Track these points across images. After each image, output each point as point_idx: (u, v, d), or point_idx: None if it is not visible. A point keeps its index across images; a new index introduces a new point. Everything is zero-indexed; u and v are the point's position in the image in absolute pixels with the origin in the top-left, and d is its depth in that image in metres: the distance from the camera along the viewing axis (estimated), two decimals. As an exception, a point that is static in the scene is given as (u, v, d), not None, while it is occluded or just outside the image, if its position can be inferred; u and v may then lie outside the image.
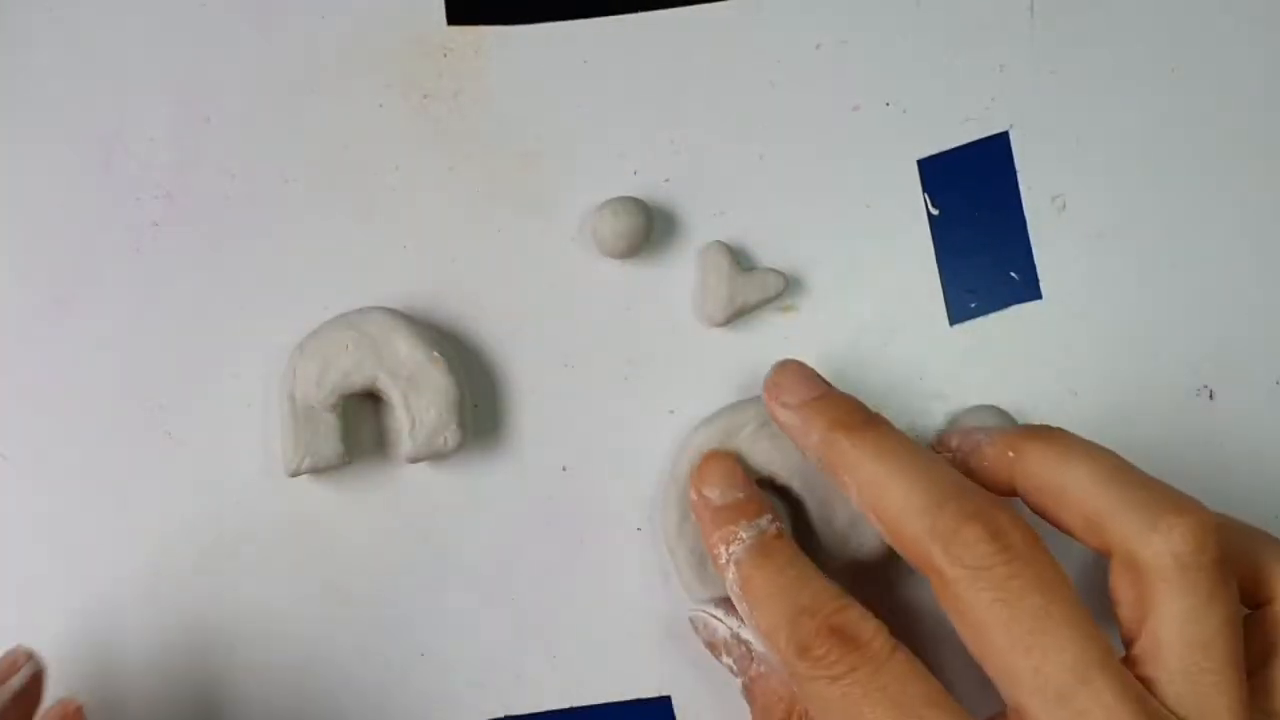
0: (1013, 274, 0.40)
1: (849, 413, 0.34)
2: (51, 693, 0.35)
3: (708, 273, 0.39)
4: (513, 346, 0.39)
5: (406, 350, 0.37)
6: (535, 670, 0.38)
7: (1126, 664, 0.30)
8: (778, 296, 0.39)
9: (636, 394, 0.39)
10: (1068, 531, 0.32)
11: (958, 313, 0.40)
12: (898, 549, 0.32)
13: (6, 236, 0.39)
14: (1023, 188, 0.40)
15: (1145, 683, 0.29)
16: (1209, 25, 0.41)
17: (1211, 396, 0.39)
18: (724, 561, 0.34)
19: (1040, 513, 0.33)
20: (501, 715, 0.38)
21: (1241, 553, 0.32)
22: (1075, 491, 0.31)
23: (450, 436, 0.37)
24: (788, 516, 0.37)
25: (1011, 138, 0.40)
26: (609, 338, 0.39)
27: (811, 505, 0.37)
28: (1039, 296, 0.40)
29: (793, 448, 0.37)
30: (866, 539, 0.37)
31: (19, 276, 0.39)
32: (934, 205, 0.40)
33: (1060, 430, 0.33)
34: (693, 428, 0.38)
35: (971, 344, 0.39)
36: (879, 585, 0.38)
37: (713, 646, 0.36)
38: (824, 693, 0.30)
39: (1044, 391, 0.39)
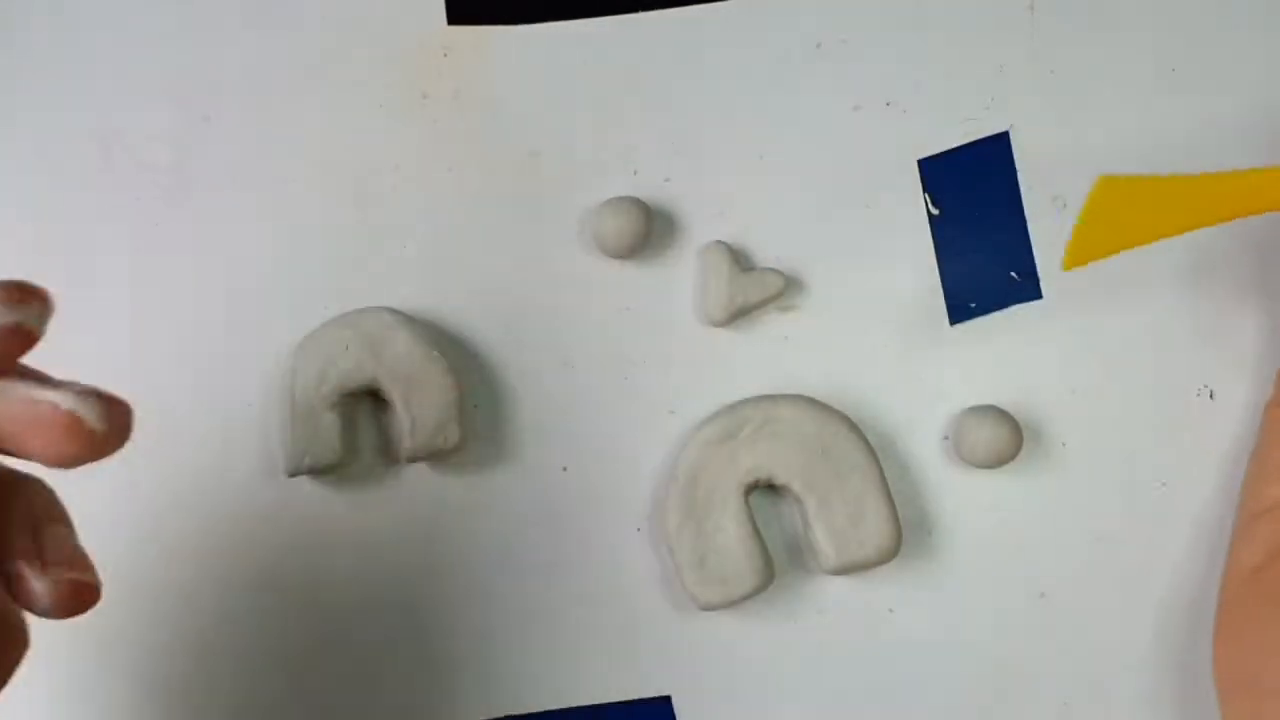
0: (1013, 274, 0.40)
1: None
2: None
3: (708, 273, 0.39)
4: (513, 346, 0.39)
5: (406, 350, 0.37)
6: (535, 670, 0.38)
7: None
8: (778, 296, 0.39)
9: (636, 394, 0.39)
10: None
11: (958, 313, 0.40)
12: None
13: (6, 236, 0.39)
14: (1023, 188, 0.40)
15: None
16: (1209, 25, 0.41)
17: (1212, 397, 0.39)
18: None
19: None
20: (501, 715, 0.38)
21: None
22: None
23: (450, 436, 0.37)
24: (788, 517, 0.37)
25: (1011, 138, 0.40)
26: (609, 338, 0.39)
27: (811, 505, 0.37)
28: (1039, 296, 0.40)
29: (793, 447, 0.37)
30: (866, 539, 0.37)
31: (18, 276, 0.39)
32: (934, 205, 0.40)
33: None
34: (693, 428, 0.38)
35: (971, 344, 0.39)
36: (878, 586, 0.38)
37: None
38: None
39: (1044, 391, 0.39)
